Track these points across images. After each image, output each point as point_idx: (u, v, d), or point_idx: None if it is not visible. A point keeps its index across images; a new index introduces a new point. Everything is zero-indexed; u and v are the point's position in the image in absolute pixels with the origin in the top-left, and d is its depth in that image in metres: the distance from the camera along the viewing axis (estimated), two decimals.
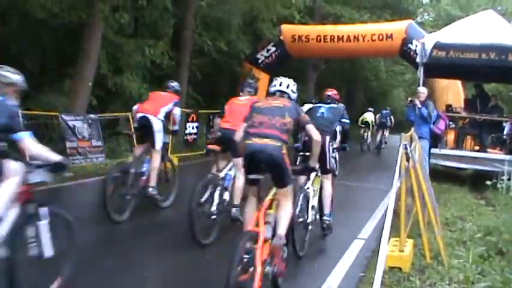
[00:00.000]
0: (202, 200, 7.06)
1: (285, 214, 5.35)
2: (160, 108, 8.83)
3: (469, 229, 8.29)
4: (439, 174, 13.30)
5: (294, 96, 5.95)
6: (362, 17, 27.24)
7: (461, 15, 26.91)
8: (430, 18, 38.01)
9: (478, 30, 13.43)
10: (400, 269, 6.09)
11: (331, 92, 8.49)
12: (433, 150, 13.10)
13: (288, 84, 5.93)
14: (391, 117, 25.15)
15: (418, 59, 14.05)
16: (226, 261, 4.46)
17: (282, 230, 5.24)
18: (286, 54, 22.64)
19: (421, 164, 7.15)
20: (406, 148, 6.24)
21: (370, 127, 24.69)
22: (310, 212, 6.98)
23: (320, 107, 7.85)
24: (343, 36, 21.21)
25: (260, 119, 5.47)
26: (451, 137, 15.07)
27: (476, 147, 14.78)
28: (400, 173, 6.09)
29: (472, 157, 13.75)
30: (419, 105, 11.99)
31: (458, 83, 19.29)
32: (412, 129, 11.02)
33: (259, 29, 22.35)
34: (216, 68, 24.33)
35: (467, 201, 11.17)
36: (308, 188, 7.03)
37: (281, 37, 22.20)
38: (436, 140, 13.10)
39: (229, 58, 23.21)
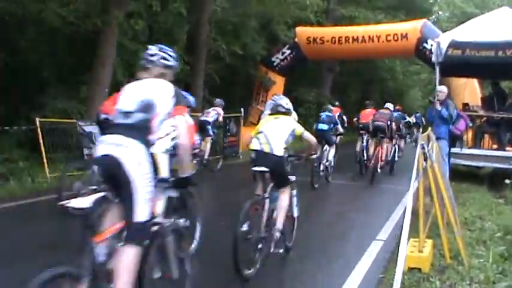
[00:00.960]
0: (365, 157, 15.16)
1: (385, 152, 14.70)
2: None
3: (489, 228, 8.22)
4: (457, 174, 13.21)
5: (391, 108, 16.26)
6: (376, 17, 27.18)
7: (477, 13, 26.74)
8: (445, 16, 37.76)
9: (493, 27, 13.30)
10: (419, 269, 6.04)
11: (398, 107, 21.90)
12: (453, 150, 12.95)
13: (389, 104, 16.20)
14: (423, 118, 30.67)
15: (433, 59, 13.94)
16: None
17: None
18: (302, 56, 22.69)
19: (439, 164, 7.10)
20: (423, 148, 6.20)
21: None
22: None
23: (394, 114, 17.02)
24: (358, 37, 21.23)
25: (380, 115, 14.88)
26: (469, 136, 14.96)
27: (495, 146, 14.66)
28: (417, 173, 6.05)
29: (491, 155, 13.65)
30: (439, 107, 11.69)
31: (475, 81, 19.19)
32: (429, 128, 10.93)
33: (275, 30, 22.33)
34: (232, 71, 24.37)
35: (486, 200, 11.07)
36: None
37: (296, 39, 22.24)
38: (454, 141, 12.89)
39: (244, 61, 23.22)
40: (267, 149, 6.42)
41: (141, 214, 3.89)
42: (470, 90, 18.74)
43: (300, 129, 6.82)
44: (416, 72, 43.94)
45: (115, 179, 3.95)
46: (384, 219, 9.17)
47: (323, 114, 13.75)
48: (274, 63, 22.92)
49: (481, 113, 14.96)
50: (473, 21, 14.77)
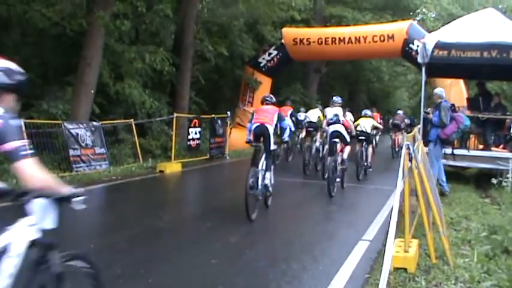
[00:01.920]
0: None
1: (400, 139, 23.15)
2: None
3: (474, 228, 8.25)
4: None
5: (401, 113, 25.53)
6: (364, 17, 27.27)
7: (463, 14, 26.87)
8: (431, 17, 37.80)
9: (479, 28, 13.34)
10: (405, 269, 6.05)
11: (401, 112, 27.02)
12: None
13: (400, 111, 25.89)
14: (415, 120, 31.31)
15: (419, 59, 13.97)
16: None
17: None
18: (288, 57, 22.73)
19: (425, 164, 7.12)
20: (408, 148, 6.21)
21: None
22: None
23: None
24: (344, 38, 21.31)
25: (397, 117, 24.25)
26: None
27: (480, 146, 14.73)
28: (403, 173, 6.06)
29: (476, 156, 13.70)
30: (431, 116, 11.62)
31: (461, 82, 19.27)
32: (415, 129, 10.95)
33: (261, 30, 22.32)
34: (218, 72, 24.35)
35: (472, 200, 11.13)
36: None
37: (282, 41, 22.27)
38: (444, 144, 12.52)
39: (231, 62, 23.23)
40: (364, 130, 14.88)
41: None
42: (456, 91, 18.81)
43: (375, 123, 16.29)
44: (403, 73, 44.09)
45: (339, 136, 12.33)
46: (370, 220, 9.18)
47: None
48: (261, 64, 22.93)
49: (467, 113, 15.00)
50: (458, 21, 14.79)
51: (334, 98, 13.37)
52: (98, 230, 8.44)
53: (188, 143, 16.91)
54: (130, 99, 16.23)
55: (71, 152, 13.22)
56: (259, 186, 8.98)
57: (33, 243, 3.27)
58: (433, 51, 13.22)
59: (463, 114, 11.71)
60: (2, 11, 13.84)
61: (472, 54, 12.91)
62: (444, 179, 11.62)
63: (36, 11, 13.72)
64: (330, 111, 13.17)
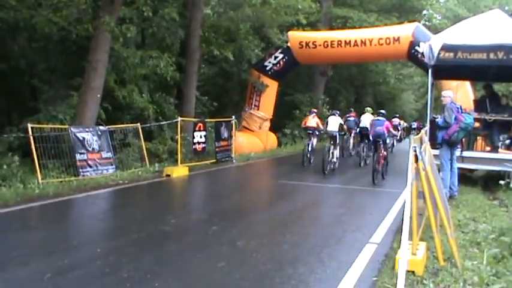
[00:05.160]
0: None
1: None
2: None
3: (482, 230, 8.22)
4: None
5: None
6: (369, 19, 27.25)
7: (469, 16, 26.82)
8: (438, 19, 37.72)
9: (485, 30, 13.27)
10: (413, 272, 6.01)
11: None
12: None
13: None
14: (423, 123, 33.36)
15: (426, 61, 13.91)
16: None
17: None
18: (294, 61, 22.71)
19: (432, 166, 7.08)
20: (415, 150, 6.18)
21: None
22: None
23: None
24: (350, 41, 21.29)
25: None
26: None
27: (488, 148, 14.67)
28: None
29: (484, 158, 13.65)
30: (440, 118, 11.78)
31: (467, 83, 19.20)
32: (422, 131, 10.92)
33: (267, 33, 22.30)
34: (225, 76, 24.36)
35: (480, 202, 11.08)
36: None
37: (288, 44, 22.26)
38: (450, 145, 12.49)
39: (237, 66, 23.23)
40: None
41: None
42: (462, 93, 18.73)
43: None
44: (409, 76, 44.02)
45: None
46: (378, 222, 9.14)
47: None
48: (267, 68, 22.90)
49: (474, 115, 14.93)
50: (464, 23, 14.71)
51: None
52: (104, 234, 8.44)
53: (194, 146, 16.87)
54: (136, 102, 16.25)
55: (78, 157, 13.23)
56: None
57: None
58: (439, 54, 13.15)
59: (467, 114, 11.63)
60: (9, 16, 13.90)
61: (479, 56, 12.82)
62: (456, 183, 11.58)
63: (43, 16, 13.77)
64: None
